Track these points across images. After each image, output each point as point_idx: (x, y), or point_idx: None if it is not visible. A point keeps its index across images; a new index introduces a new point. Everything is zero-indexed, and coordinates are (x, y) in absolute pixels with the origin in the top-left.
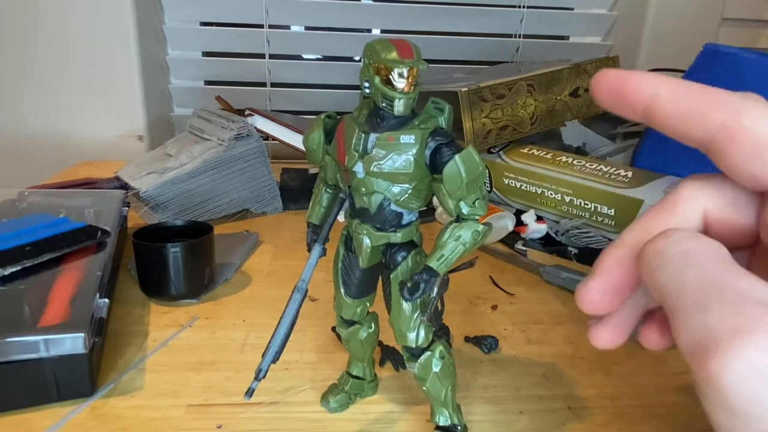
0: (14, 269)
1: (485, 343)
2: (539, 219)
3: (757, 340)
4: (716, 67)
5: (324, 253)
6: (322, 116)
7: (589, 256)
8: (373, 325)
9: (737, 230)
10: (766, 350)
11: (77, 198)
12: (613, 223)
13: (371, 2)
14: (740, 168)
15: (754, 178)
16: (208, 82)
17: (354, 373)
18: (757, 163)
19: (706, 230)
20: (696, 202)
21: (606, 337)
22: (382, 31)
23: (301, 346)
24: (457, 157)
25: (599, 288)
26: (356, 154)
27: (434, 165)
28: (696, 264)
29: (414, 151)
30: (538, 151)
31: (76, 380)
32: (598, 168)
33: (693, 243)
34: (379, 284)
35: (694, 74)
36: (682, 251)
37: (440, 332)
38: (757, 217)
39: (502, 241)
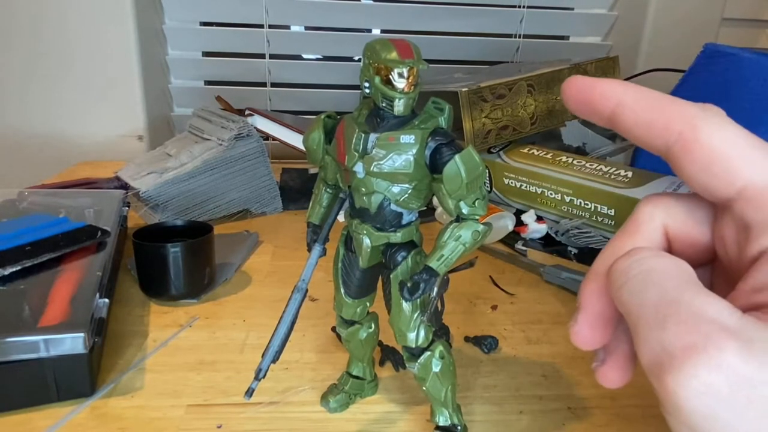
0: (14, 269)
1: (485, 343)
2: (539, 219)
3: (710, 358)
4: (716, 67)
5: (324, 253)
6: (322, 116)
7: (589, 256)
8: (373, 325)
9: (697, 245)
10: (718, 367)
11: (77, 198)
12: (613, 223)
13: (371, 2)
14: (693, 179)
15: (706, 189)
16: (208, 82)
17: (354, 373)
18: (708, 175)
19: (669, 247)
20: (654, 221)
21: (615, 376)
22: (382, 31)
23: (301, 346)
24: (457, 157)
25: (586, 323)
26: (356, 154)
27: (434, 165)
28: (657, 282)
29: (414, 151)
30: (538, 151)
31: (76, 380)
32: (598, 168)
33: (655, 261)
34: (379, 284)
35: (694, 74)
36: (644, 270)
37: (440, 332)
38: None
39: (502, 241)
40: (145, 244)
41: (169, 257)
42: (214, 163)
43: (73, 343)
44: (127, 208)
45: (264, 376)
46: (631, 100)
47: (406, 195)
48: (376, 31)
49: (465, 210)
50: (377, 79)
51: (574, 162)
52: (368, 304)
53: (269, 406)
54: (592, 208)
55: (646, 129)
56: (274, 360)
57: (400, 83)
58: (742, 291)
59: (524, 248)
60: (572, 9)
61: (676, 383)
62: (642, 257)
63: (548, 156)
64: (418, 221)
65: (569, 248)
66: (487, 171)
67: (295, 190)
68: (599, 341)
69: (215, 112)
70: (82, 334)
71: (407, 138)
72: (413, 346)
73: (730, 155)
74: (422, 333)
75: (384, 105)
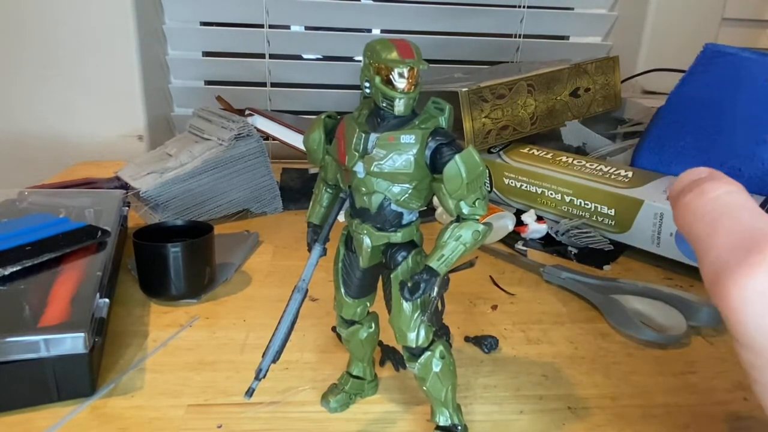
0: (14, 269)
1: (485, 343)
2: (539, 219)
3: (763, 261)
4: (716, 67)
5: (324, 253)
6: (323, 116)
7: (589, 256)
8: (373, 325)
9: None
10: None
11: (77, 198)
12: (613, 223)
13: (371, 2)
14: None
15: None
16: (208, 82)
17: (354, 373)
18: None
19: None
20: None
21: None
22: (382, 31)
23: (301, 346)
24: (457, 157)
25: None
26: (356, 153)
27: (434, 165)
28: (728, 212)
29: (414, 151)
30: (538, 151)
31: (76, 380)
32: (598, 168)
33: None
34: (380, 284)
35: (694, 74)
36: (720, 203)
37: (440, 332)
38: None
39: (502, 241)
40: (145, 244)
41: (169, 257)
42: (214, 163)
43: (74, 343)
44: (127, 208)
45: (264, 376)
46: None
47: (407, 195)
48: (376, 31)
49: (465, 210)
50: (377, 79)
51: (574, 162)
52: (368, 304)
53: (269, 406)
54: (592, 208)
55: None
56: (275, 360)
57: (401, 83)
58: None
59: (524, 248)
60: (572, 9)
61: (733, 288)
62: (716, 195)
63: (548, 156)
64: (418, 221)
65: (569, 248)
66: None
67: (296, 190)
68: None
69: (215, 112)
70: (82, 334)
71: (407, 138)
72: (413, 346)
73: (750, 323)
74: (422, 333)
75: (384, 105)
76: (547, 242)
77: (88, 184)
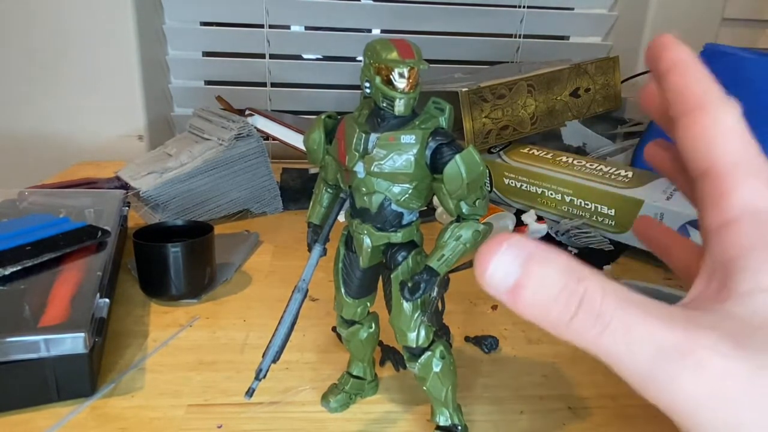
0: (14, 269)
1: (485, 343)
2: (539, 219)
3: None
4: (716, 67)
5: (324, 253)
6: (323, 116)
7: (589, 256)
8: (373, 325)
9: None
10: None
11: (77, 198)
12: (613, 223)
13: (371, 2)
14: (681, 146)
15: (687, 160)
16: (208, 82)
17: (354, 373)
18: (691, 149)
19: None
20: None
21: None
22: (382, 31)
23: (301, 346)
24: (457, 157)
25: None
26: (357, 154)
27: (435, 165)
28: None
29: (414, 151)
30: (538, 151)
31: (77, 380)
32: (598, 168)
33: None
34: (380, 284)
35: None
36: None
37: (440, 332)
38: None
39: None
40: (145, 244)
41: (169, 257)
42: (214, 163)
43: (74, 343)
44: (127, 208)
45: (264, 376)
46: (681, 69)
47: (407, 195)
48: (376, 31)
49: (466, 210)
50: (378, 79)
51: (574, 162)
52: (369, 304)
53: (270, 406)
54: (592, 208)
55: (677, 94)
56: (275, 360)
57: (401, 83)
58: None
59: None
60: (572, 9)
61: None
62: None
63: (548, 156)
64: (418, 221)
65: (569, 248)
66: (487, 171)
67: (296, 190)
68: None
69: (215, 112)
70: (82, 334)
71: (408, 138)
72: (414, 346)
73: (714, 140)
74: (423, 333)
75: (385, 105)
76: (548, 242)
77: (88, 184)
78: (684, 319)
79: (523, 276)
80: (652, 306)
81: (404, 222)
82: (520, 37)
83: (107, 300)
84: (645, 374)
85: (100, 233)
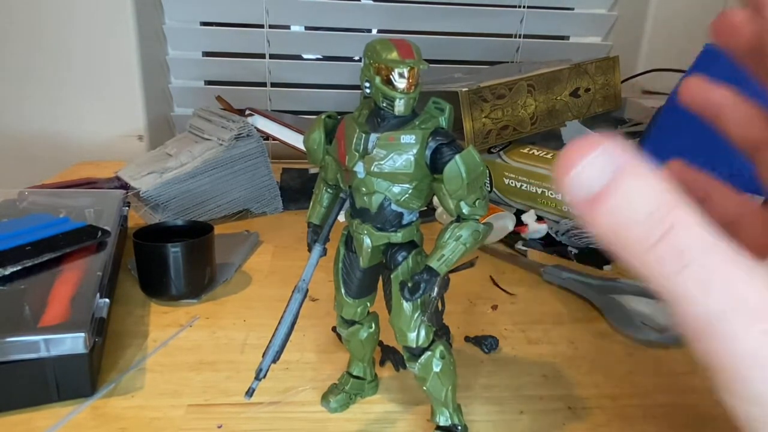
0: (14, 269)
1: (485, 343)
2: (539, 219)
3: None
4: (716, 67)
5: (324, 253)
6: (323, 116)
7: (589, 256)
8: (373, 325)
9: None
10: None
11: (77, 198)
12: None
13: (371, 2)
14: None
15: None
16: (208, 82)
17: (354, 373)
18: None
19: None
20: None
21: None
22: (382, 31)
23: (301, 346)
24: (457, 157)
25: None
26: (357, 154)
27: (435, 165)
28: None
29: (414, 151)
30: (538, 151)
31: (77, 380)
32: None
33: None
34: (380, 284)
35: (694, 74)
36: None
37: (440, 332)
38: None
39: (503, 241)
40: (145, 244)
41: (169, 257)
42: (214, 163)
43: (74, 343)
44: (127, 208)
45: (264, 376)
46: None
47: (407, 195)
48: (375, 31)
49: (465, 210)
50: (378, 79)
51: None
52: (369, 304)
53: (270, 406)
54: None
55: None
56: (275, 360)
57: (401, 83)
58: None
59: (524, 248)
60: (572, 9)
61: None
62: None
63: (548, 156)
64: (418, 221)
65: (569, 248)
66: (487, 171)
67: (296, 190)
68: None
69: (215, 112)
70: (82, 334)
71: (408, 138)
72: (414, 346)
73: None
74: (423, 333)
75: (385, 105)
76: (547, 242)
77: (88, 184)
78: (765, 277)
79: (612, 186)
80: (736, 257)
81: (404, 222)
82: (520, 37)
83: (107, 300)
84: (710, 324)
85: (100, 233)
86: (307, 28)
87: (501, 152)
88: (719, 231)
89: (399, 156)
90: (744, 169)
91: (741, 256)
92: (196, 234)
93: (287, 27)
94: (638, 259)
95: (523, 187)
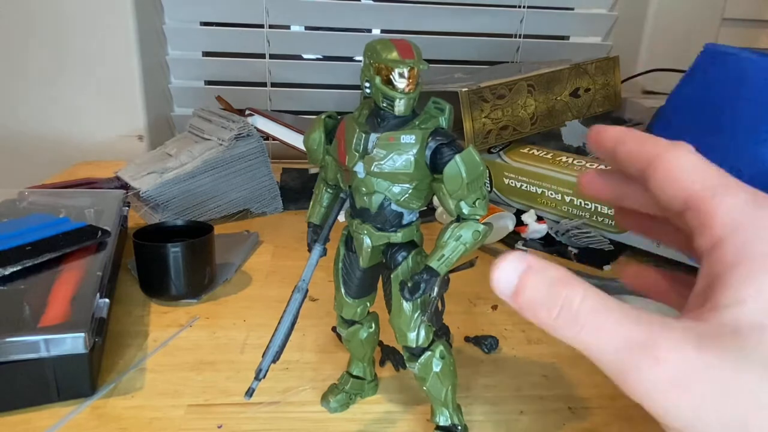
0: (14, 269)
1: (485, 343)
2: (539, 219)
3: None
4: (716, 67)
5: (324, 253)
6: (323, 116)
7: (589, 256)
8: (373, 325)
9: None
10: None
11: (77, 198)
12: (613, 223)
13: (371, 2)
14: (657, 195)
15: (665, 205)
16: (208, 82)
17: (354, 373)
18: (664, 192)
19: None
20: None
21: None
22: (382, 31)
23: (301, 346)
24: (457, 157)
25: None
26: (357, 154)
27: (435, 165)
28: None
29: (414, 151)
30: (538, 151)
31: (77, 380)
32: (599, 168)
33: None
34: (380, 284)
35: (694, 74)
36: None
37: (440, 332)
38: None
39: (503, 241)
40: (145, 244)
41: (169, 257)
42: (214, 163)
43: (74, 343)
44: (127, 208)
45: (264, 376)
46: (625, 139)
47: (407, 195)
48: (376, 31)
49: (465, 210)
50: (378, 79)
51: (574, 162)
52: (368, 304)
53: (270, 406)
54: (592, 208)
55: (633, 159)
56: (275, 360)
57: (401, 83)
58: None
59: (524, 248)
60: (572, 9)
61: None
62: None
63: (548, 156)
64: (418, 221)
65: (569, 248)
66: (487, 171)
67: (296, 190)
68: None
69: (215, 112)
70: (82, 334)
71: (408, 138)
72: (414, 345)
73: (679, 175)
74: (422, 333)
75: (385, 105)
76: (547, 242)
77: (88, 184)
78: (654, 321)
79: (520, 284)
80: (626, 310)
81: (404, 222)
82: (520, 37)
83: (107, 300)
84: (614, 365)
85: (100, 233)
86: (307, 28)
87: (501, 152)
88: (599, 289)
89: (399, 156)
90: (743, 169)
91: (634, 309)
92: (196, 234)
93: (287, 27)
94: (551, 330)
95: (523, 187)
